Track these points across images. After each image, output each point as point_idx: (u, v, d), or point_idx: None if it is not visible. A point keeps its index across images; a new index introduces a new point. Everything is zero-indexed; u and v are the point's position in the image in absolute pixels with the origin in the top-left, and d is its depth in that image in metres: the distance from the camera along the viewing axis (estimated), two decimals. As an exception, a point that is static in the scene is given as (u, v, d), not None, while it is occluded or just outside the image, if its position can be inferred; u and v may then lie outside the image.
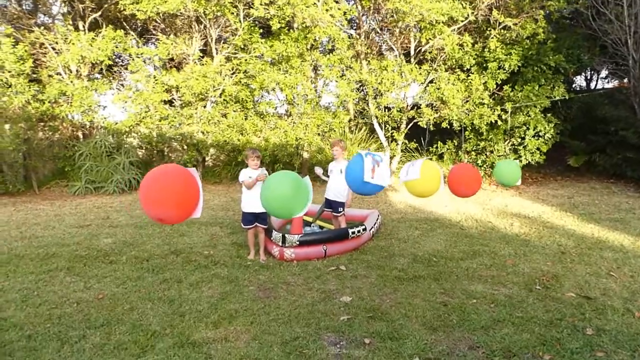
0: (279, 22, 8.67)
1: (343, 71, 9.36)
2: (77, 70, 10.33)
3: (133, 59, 9.90)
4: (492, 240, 6.39)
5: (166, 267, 5.16)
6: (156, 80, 9.70)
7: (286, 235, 5.43)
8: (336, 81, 9.18)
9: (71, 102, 10.07)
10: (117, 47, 9.99)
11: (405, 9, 7.98)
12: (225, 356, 3.36)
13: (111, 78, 11.67)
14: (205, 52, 10.39)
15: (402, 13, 8.21)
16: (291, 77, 8.89)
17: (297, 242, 5.41)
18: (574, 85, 13.23)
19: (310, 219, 6.75)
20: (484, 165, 10.06)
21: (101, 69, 10.92)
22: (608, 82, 14.55)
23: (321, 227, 6.71)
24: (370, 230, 6.19)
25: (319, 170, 6.00)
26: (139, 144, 10.24)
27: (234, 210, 7.96)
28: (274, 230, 5.59)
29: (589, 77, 15.18)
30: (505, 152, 9.76)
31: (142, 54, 9.82)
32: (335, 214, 6.10)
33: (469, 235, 6.60)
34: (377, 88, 9.15)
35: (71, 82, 10.17)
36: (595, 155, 10.82)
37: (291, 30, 9.14)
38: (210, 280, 4.77)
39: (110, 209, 8.23)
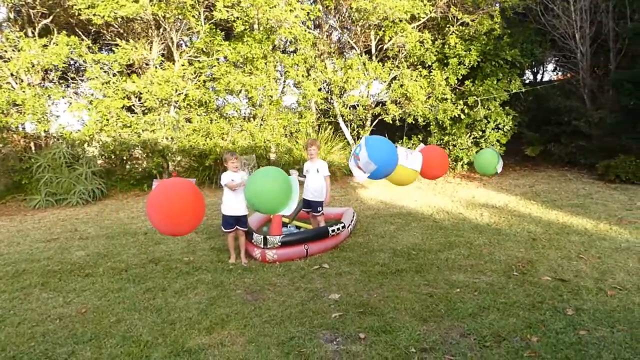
0: (243, 25, 8.60)
1: (308, 71, 9.39)
2: (28, 79, 9.86)
3: (91, 66, 9.53)
4: (465, 230, 6.59)
5: (147, 276, 5.02)
6: (116, 86, 9.38)
7: (267, 236, 5.40)
8: (300, 81, 9.20)
9: (23, 111, 9.59)
10: (72, 54, 9.59)
11: (369, 8, 8.11)
12: (224, 361, 3.33)
13: (65, 85, 11.18)
14: (165, 56, 10.15)
15: (366, 12, 8.34)
16: (257, 79, 8.82)
17: (279, 243, 5.39)
18: (523, 78, 13.81)
19: (287, 220, 6.74)
20: (449, 158, 10.34)
21: (53, 77, 10.48)
22: (556, 75, 15.23)
23: (298, 228, 6.71)
24: (348, 227, 6.25)
25: (294, 173, 6.02)
26: (100, 153, 9.88)
27: (206, 215, 7.81)
28: (254, 233, 5.56)
29: (535, 70, 15.87)
30: (467, 145, 10.08)
31: (99, 60, 9.46)
32: (314, 213, 6.12)
33: (443, 227, 6.77)
34: (342, 87, 9.25)
35: (22, 91, 9.69)
36: (550, 144, 11.34)
37: (254, 31, 9.06)
38: (195, 287, 4.69)
39: (76, 221, 7.91)
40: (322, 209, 6.14)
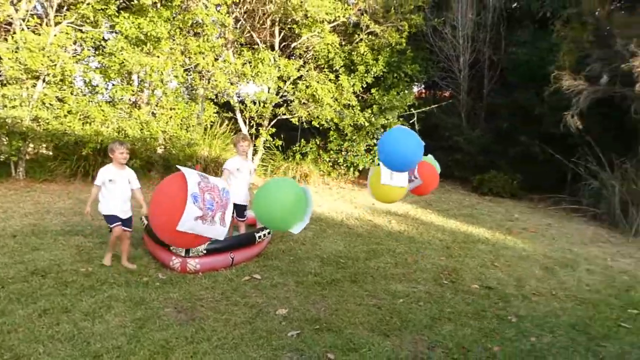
0: (150, -4, 7.39)
1: (215, 60, 8.56)
2: None
3: None
4: (382, 238, 6.57)
5: (36, 293, 3.91)
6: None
7: (190, 243, 4.65)
8: (209, 70, 8.32)
9: None
10: None
11: (294, 3, 7.66)
12: (187, 403, 2.65)
13: None
14: (39, 17, 8.21)
15: (292, 7, 7.87)
16: (160, 61, 7.68)
17: (204, 251, 4.69)
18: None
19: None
20: (344, 164, 10.41)
21: None
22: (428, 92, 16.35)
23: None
24: (270, 233, 5.75)
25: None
26: None
27: (92, 215, 6.55)
28: (173, 238, 4.75)
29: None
30: (362, 152, 10.25)
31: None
32: (240, 218, 5.48)
33: (360, 235, 6.66)
34: (249, 80, 8.66)
35: None
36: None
37: (162, 7, 7.85)
38: (110, 306, 3.78)
39: None
40: (247, 214, 5.57)
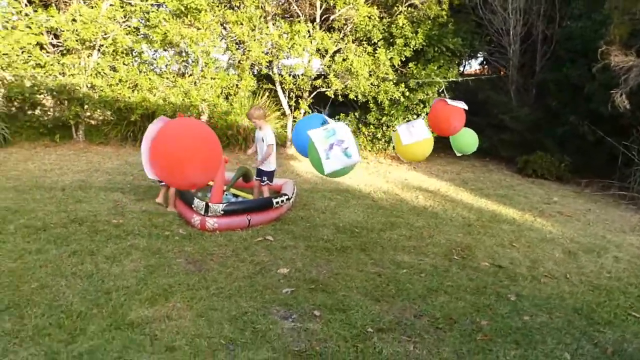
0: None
1: (252, 31, 8.83)
2: None
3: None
4: (404, 212, 6.66)
5: (70, 237, 4.45)
6: (29, 19, 8.14)
7: (210, 203, 5.03)
8: (245, 41, 8.63)
9: None
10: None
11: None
12: (173, 336, 3.02)
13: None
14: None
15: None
16: (199, 32, 8.09)
17: (222, 212, 5.04)
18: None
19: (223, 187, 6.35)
20: (383, 139, 10.45)
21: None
22: (481, 69, 15.76)
23: (236, 196, 6.37)
24: (290, 199, 6.03)
25: None
26: (4, 95, 8.54)
27: (132, 174, 7.15)
28: (195, 198, 5.16)
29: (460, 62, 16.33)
30: (402, 127, 10.21)
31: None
32: (261, 183, 5.84)
33: (382, 207, 6.79)
34: (287, 53, 8.88)
35: None
36: (474, 135, 11.82)
37: None
38: (129, 253, 4.24)
39: (-27, 169, 6.85)
40: (267, 179, 5.87)
